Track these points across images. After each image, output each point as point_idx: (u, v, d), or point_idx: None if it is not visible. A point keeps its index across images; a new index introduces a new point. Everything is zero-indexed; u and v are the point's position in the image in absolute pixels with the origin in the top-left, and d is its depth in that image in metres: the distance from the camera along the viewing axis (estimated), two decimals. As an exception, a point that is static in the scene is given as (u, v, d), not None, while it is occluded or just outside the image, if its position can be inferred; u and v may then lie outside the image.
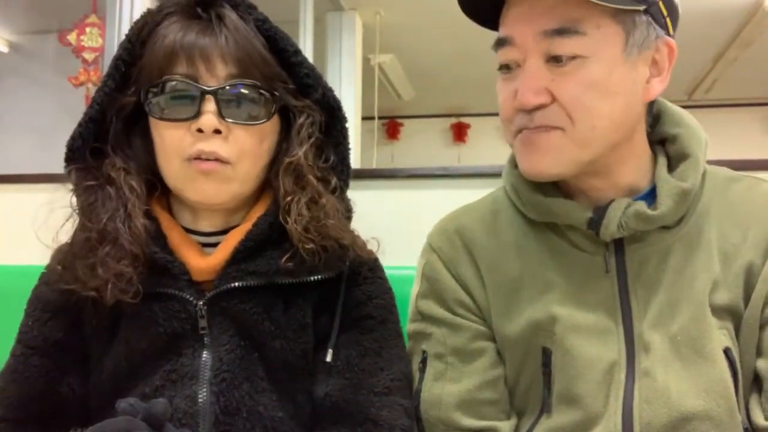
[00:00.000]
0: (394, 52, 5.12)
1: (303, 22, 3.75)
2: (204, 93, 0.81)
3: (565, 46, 0.72)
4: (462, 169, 1.56)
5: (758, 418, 0.75)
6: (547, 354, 0.79)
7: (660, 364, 0.76)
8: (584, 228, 0.79)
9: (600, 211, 0.78)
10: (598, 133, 0.75)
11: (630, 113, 0.77)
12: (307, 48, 3.67)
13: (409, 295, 0.96)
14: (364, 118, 4.49)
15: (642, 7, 0.73)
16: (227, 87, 0.82)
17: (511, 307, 0.83)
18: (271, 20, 0.88)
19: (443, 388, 0.84)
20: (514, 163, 0.88)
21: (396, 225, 1.48)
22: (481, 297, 0.86)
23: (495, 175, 1.54)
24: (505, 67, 0.78)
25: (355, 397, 0.86)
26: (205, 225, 0.90)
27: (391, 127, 7.08)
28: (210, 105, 0.81)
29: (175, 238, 0.87)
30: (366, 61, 4.82)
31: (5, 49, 4.91)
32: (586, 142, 0.75)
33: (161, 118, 0.84)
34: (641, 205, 0.77)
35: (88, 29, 2.86)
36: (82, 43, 2.86)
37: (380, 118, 5.68)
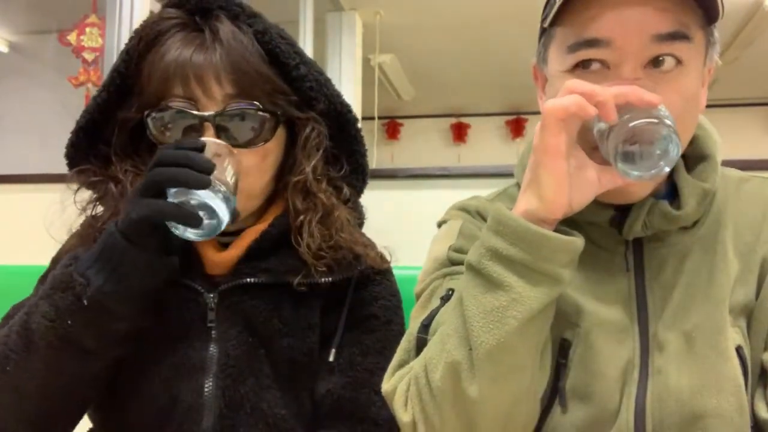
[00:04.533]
0: (394, 52, 5.13)
1: (303, 22, 3.76)
2: (202, 120, 0.80)
3: (675, 49, 0.70)
4: (462, 169, 1.57)
5: (762, 412, 0.74)
6: (565, 346, 0.78)
7: (673, 362, 0.75)
8: (606, 225, 0.78)
9: (624, 210, 0.77)
10: (683, 146, 0.74)
11: (696, 125, 0.78)
12: (307, 48, 3.68)
13: (408, 294, 0.96)
14: (364, 118, 4.49)
15: (720, 19, 0.73)
16: (226, 111, 0.81)
17: None
18: (272, 31, 0.86)
19: None
20: None
21: (396, 225, 1.48)
22: None
23: (495, 175, 1.55)
24: (583, 65, 0.73)
25: (356, 396, 0.86)
26: None
27: (391, 127, 7.08)
28: (209, 131, 0.80)
29: None
30: (366, 61, 4.83)
31: (5, 49, 4.91)
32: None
33: (162, 144, 0.83)
34: (665, 205, 0.77)
35: (88, 29, 2.86)
36: (82, 43, 2.86)
37: (380, 118, 5.68)
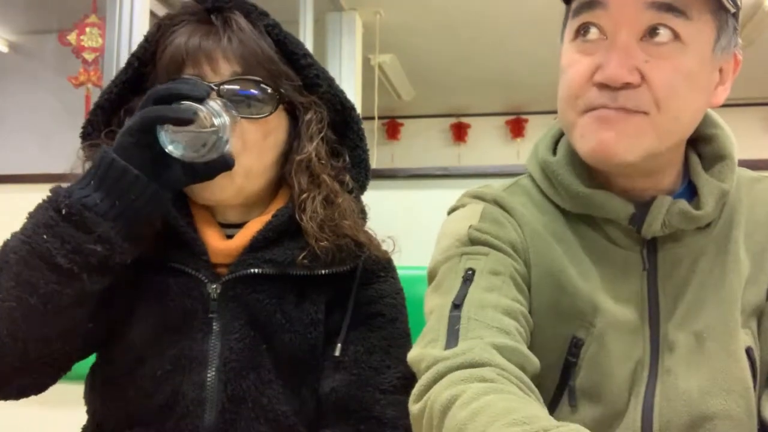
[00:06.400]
0: (394, 52, 5.12)
1: (303, 22, 3.75)
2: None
3: (671, 22, 0.69)
4: (462, 169, 1.57)
5: None
6: (577, 344, 0.77)
7: (683, 363, 0.75)
8: (625, 223, 0.77)
9: (643, 208, 0.76)
10: (680, 126, 0.74)
11: (701, 114, 0.77)
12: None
13: (410, 294, 0.96)
14: (364, 118, 4.45)
15: (734, 9, 0.72)
16: (229, 82, 0.84)
17: (549, 283, 0.80)
18: (282, 27, 0.90)
19: (498, 299, 0.74)
20: (552, 149, 0.85)
21: (396, 225, 1.48)
22: (527, 258, 0.81)
23: (495, 175, 1.55)
24: (583, 32, 0.74)
25: (360, 394, 0.86)
26: (222, 220, 0.92)
27: (391, 127, 7.08)
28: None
29: (200, 217, 0.89)
30: (366, 61, 4.82)
31: (5, 49, 4.91)
32: (667, 133, 0.73)
33: None
34: (684, 204, 0.76)
35: (88, 29, 2.86)
36: (82, 43, 2.86)
37: (380, 118, 5.68)
